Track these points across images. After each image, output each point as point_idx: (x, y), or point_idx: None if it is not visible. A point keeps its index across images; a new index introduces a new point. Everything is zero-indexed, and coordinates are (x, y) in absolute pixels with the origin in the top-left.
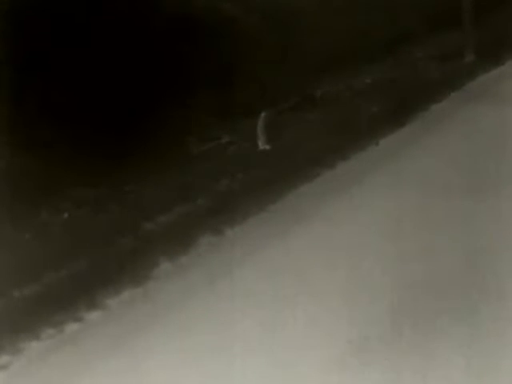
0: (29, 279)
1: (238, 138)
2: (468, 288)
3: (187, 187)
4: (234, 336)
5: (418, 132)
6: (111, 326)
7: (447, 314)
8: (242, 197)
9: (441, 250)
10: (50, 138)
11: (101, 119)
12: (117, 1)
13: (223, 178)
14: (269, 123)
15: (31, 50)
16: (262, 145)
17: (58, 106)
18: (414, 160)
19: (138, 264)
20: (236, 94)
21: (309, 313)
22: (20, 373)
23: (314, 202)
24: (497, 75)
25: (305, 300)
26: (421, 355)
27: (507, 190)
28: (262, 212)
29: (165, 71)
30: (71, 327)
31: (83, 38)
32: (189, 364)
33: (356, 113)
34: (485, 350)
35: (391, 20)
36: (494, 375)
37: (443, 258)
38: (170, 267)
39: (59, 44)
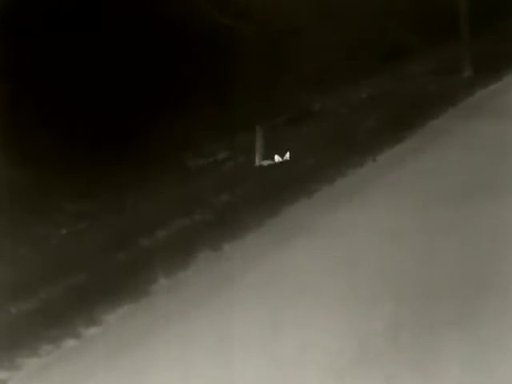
0: (26, 295)
1: (235, 153)
2: (469, 294)
3: (185, 202)
4: (233, 350)
5: (416, 147)
6: (109, 342)
7: (448, 322)
8: (240, 212)
9: (440, 260)
10: (47, 152)
11: (98, 134)
12: (115, 15)
13: (221, 193)
14: (266, 139)
15: (27, 61)
16: (259, 161)
17: (55, 119)
18: (412, 175)
19: (135, 279)
20: (233, 110)
21: (308, 329)
22: None
23: (312, 217)
24: (495, 90)
25: (303, 313)
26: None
27: (506, 199)
28: (260, 227)
29: (162, 87)
30: (69, 343)
31: (81, 54)
32: (187, 380)
33: (353, 128)
34: (486, 356)
35: (389, 35)
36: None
37: (443, 267)
38: (168, 282)
39: (56, 59)
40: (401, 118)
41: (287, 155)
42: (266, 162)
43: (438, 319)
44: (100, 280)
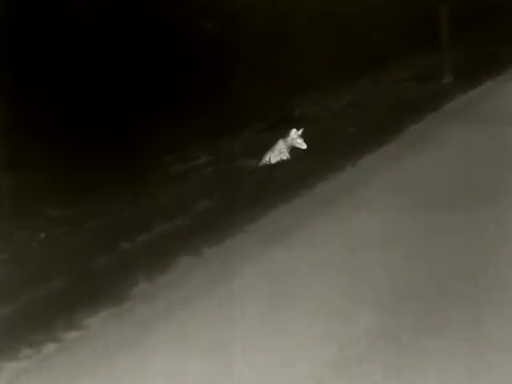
0: (6, 299)
1: (216, 158)
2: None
3: (165, 207)
4: (216, 354)
5: (396, 152)
6: (89, 347)
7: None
8: (221, 217)
9: (418, 267)
10: (28, 157)
11: (79, 140)
12: (99, 22)
13: (201, 198)
14: (247, 144)
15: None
16: (240, 166)
17: (39, 125)
18: (391, 180)
19: (116, 284)
20: (214, 115)
21: (290, 337)
22: None
23: (293, 222)
24: (475, 96)
25: (284, 319)
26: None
27: (489, 203)
28: (240, 232)
29: (143, 93)
30: (49, 347)
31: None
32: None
33: (334, 133)
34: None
35: (370, 42)
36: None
37: (420, 273)
38: (149, 287)
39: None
40: (382, 123)
41: (278, 158)
42: (247, 167)
43: (428, 324)
44: (81, 284)
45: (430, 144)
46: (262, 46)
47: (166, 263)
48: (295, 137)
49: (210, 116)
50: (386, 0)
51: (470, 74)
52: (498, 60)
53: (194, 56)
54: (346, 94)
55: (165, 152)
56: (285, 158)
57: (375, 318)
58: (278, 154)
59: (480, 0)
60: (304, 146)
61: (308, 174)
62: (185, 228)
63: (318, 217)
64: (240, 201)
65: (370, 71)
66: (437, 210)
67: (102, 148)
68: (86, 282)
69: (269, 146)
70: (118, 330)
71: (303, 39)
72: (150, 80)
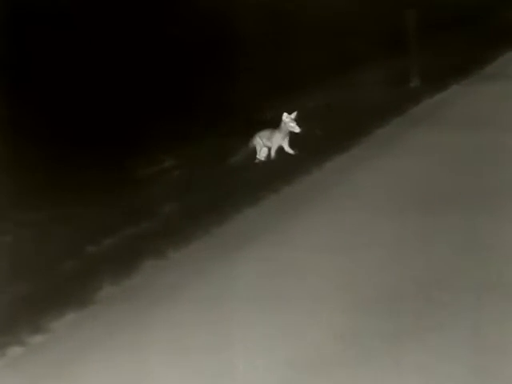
0: None
1: (182, 161)
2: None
3: (132, 210)
4: (183, 357)
5: (362, 156)
6: (54, 350)
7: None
8: (187, 220)
9: (373, 274)
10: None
11: (45, 141)
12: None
13: (167, 202)
14: (214, 147)
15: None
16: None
17: (15, 126)
18: (358, 183)
19: (81, 287)
20: (181, 118)
21: (255, 343)
22: None
23: (259, 226)
24: (441, 100)
25: (251, 325)
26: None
27: (453, 207)
28: (206, 235)
29: (111, 95)
30: (14, 351)
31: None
32: None
33: (301, 136)
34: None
35: (338, 45)
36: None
37: (376, 281)
38: (114, 290)
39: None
40: (348, 127)
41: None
42: (214, 171)
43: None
44: (46, 288)
45: (396, 147)
46: (237, 48)
47: (132, 267)
48: (287, 120)
49: (179, 119)
50: (357, 4)
51: (436, 78)
52: (464, 64)
53: (165, 59)
54: (314, 97)
55: (131, 156)
56: (288, 148)
57: (348, 320)
58: (261, 149)
59: (448, 6)
60: (298, 130)
61: (274, 177)
62: (151, 231)
63: (284, 220)
64: (206, 204)
65: (338, 74)
66: (406, 212)
67: (69, 150)
68: (52, 286)
69: (237, 149)
70: (84, 333)
71: (276, 42)
72: (119, 85)
